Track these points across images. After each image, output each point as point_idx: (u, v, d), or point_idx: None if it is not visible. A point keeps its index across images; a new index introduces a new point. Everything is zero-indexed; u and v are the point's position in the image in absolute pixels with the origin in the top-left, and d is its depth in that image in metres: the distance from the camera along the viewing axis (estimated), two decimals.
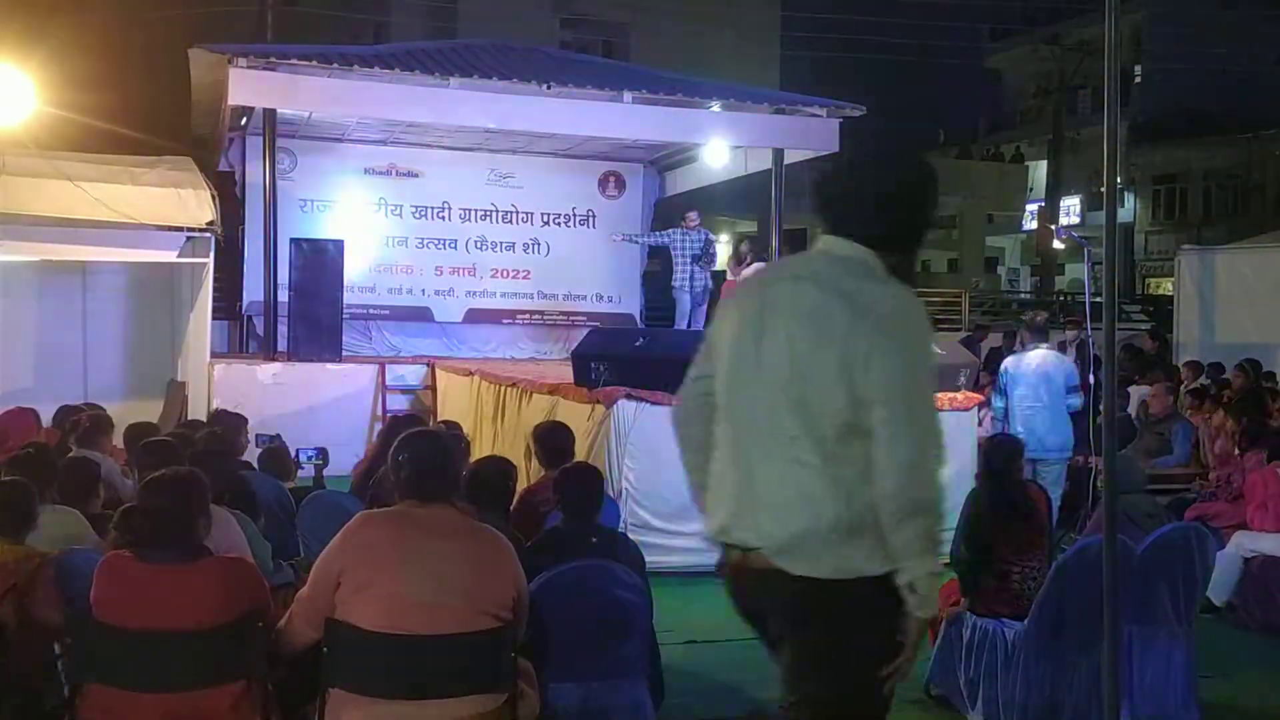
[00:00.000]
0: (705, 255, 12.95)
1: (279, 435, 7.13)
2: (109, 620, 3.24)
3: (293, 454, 6.76)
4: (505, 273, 14.54)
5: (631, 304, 15.12)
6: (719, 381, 2.70)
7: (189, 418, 9.74)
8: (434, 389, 12.12)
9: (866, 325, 2.46)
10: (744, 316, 2.64)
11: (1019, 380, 8.11)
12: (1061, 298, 27.50)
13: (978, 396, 8.69)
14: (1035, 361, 8.16)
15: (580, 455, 6.54)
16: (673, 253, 13.02)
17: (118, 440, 6.58)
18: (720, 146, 13.03)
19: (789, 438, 2.53)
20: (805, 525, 2.52)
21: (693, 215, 13.06)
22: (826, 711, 2.58)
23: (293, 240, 11.67)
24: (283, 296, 11.55)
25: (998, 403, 8.19)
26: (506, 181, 14.44)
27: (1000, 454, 5.41)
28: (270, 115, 11.49)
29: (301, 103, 11.63)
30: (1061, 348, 14.45)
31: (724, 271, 13.85)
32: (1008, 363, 8.40)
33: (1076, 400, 7.98)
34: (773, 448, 2.56)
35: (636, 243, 14.26)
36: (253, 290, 12.83)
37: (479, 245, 14.41)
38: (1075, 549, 4.82)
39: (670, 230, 13.28)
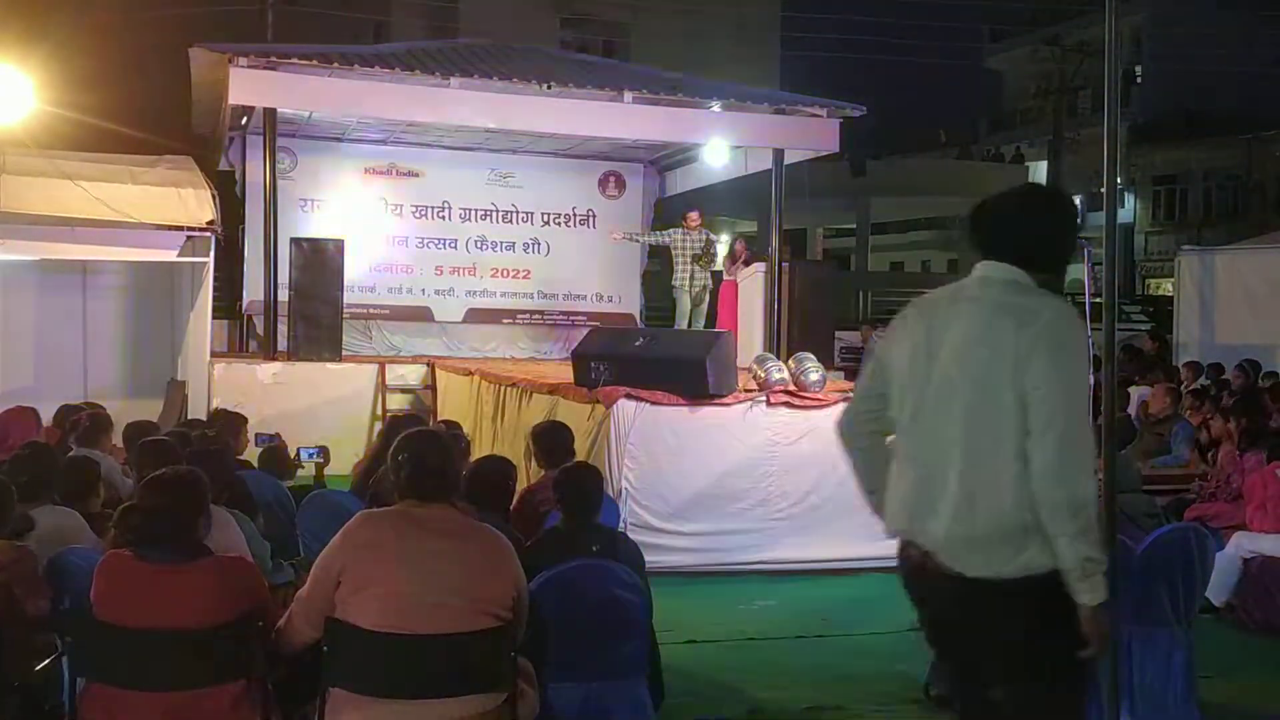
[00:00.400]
0: (706, 255, 12.95)
1: (279, 435, 7.14)
2: (109, 619, 3.24)
3: (293, 453, 6.77)
4: (505, 272, 14.53)
5: (631, 304, 15.12)
6: (893, 396, 2.98)
7: (189, 417, 9.74)
8: (434, 389, 12.13)
9: (1029, 333, 2.74)
10: (915, 337, 2.94)
11: None
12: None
13: None
14: None
15: (580, 455, 6.54)
16: (673, 252, 13.01)
17: (117, 439, 6.58)
18: (720, 146, 13.02)
19: (965, 445, 2.78)
20: (983, 526, 2.75)
21: (694, 215, 13.06)
22: (1027, 705, 2.78)
23: (293, 240, 11.67)
24: (283, 296, 11.55)
25: None
26: (506, 181, 14.43)
27: None
28: (270, 114, 11.48)
29: (302, 102, 11.63)
30: None
31: (721, 271, 13.85)
32: None
33: None
34: (951, 454, 2.80)
35: (637, 241, 14.25)
36: (253, 289, 12.83)
37: (479, 245, 14.40)
38: None
39: (671, 230, 13.28)
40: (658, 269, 16.15)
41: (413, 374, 12.34)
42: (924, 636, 3.03)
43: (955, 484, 2.78)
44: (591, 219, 14.85)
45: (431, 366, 12.35)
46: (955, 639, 2.91)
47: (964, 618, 2.83)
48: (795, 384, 8.03)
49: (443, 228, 14.29)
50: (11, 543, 3.95)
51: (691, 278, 12.91)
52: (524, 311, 14.55)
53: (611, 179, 14.96)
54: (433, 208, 14.24)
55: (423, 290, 14.21)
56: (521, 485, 5.51)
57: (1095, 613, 2.71)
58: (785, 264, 12.85)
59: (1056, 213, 3.04)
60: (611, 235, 14.00)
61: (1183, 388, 10.84)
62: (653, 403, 7.57)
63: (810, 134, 12.71)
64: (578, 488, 4.51)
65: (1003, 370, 2.74)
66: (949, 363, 2.83)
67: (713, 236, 13.39)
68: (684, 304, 12.95)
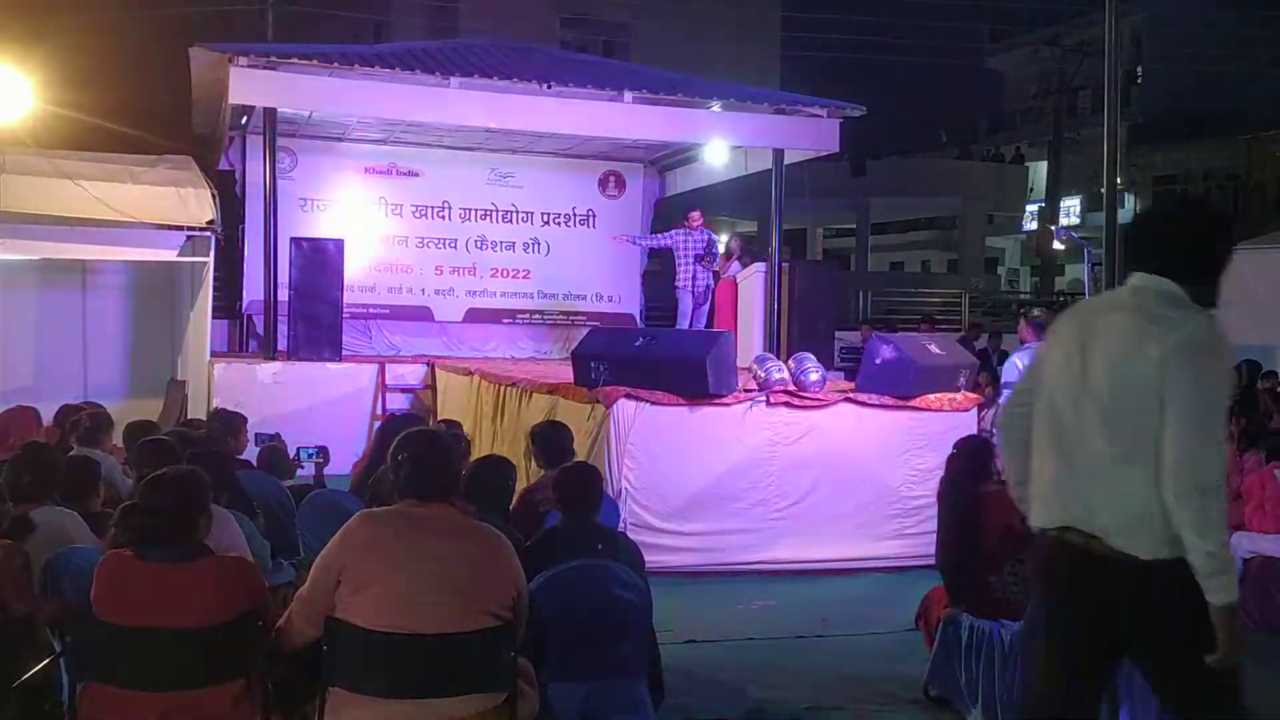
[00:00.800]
0: (708, 255, 12.96)
1: (278, 434, 7.14)
2: (109, 619, 3.24)
3: (293, 452, 6.77)
4: (505, 272, 14.53)
5: (631, 304, 15.12)
6: (1050, 396, 3.19)
7: (189, 417, 9.74)
8: (434, 388, 12.13)
9: (1173, 340, 2.95)
10: (1069, 342, 3.18)
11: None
12: (1061, 298, 27.49)
13: (976, 397, 8.70)
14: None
15: (580, 455, 6.54)
16: (675, 253, 13.02)
17: (117, 439, 6.59)
18: (720, 146, 13.02)
19: (1115, 441, 3.01)
20: (1135, 514, 2.96)
21: (695, 215, 13.05)
22: (1204, 680, 3.06)
23: (293, 239, 11.67)
24: (283, 296, 11.54)
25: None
26: (507, 181, 14.43)
27: (964, 458, 5.41)
28: (270, 114, 11.48)
29: (302, 102, 11.62)
30: None
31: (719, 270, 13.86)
32: (1021, 357, 8.10)
33: None
34: (1103, 449, 3.03)
35: (639, 245, 14.25)
36: (253, 289, 12.82)
37: (479, 245, 14.40)
38: None
39: (673, 231, 13.27)
40: (658, 269, 16.16)
41: (413, 374, 12.34)
42: (1072, 624, 3.12)
43: (1110, 477, 3.01)
44: (591, 219, 14.85)
45: (431, 366, 12.35)
46: (1128, 619, 3.04)
47: (1139, 598, 3.00)
48: (795, 384, 8.03)
49: (443, 227, 14.29)
50: (6, 543, 3.94)
51: (694, 278, 12.91)
52: (524, 311, 14.55)
53: (611, 179, 14.95)
54: (433, 207, 14.24)
55: (423, 290, 14.21)
56: (521, 485, 5.52)
57: (1223, 613, 2.90)
58: (785, 264, 12.85)
59: (1208, 227, 3.21)
60: (613, 238, 14.01)
61: None
62: (653, 403, 7.58)
63: (810, 134, 12.71)
64: (577, 487, 4.51)
65: (1149, 375, 2.95)
66: (1101, 367, 3.06)
67: (714, 236, 13.39)
68: (686, 304, 12.95)
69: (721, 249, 13.95)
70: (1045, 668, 3.19)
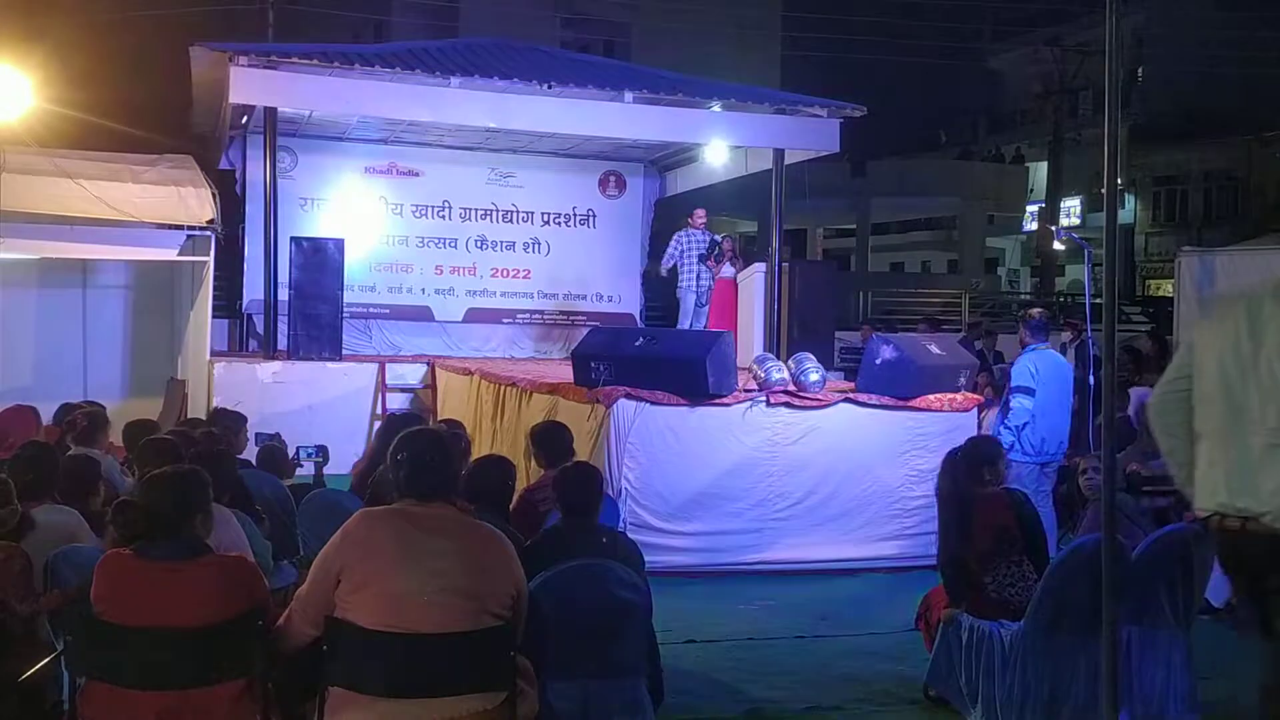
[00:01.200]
0: (710, 254, 12.94)
1: (278, 434, 7.13)
2: (109, 618, 3.24)
3: (292, 452, 6.77)
4: (505, 272, 14.53)
5: (631, 304, 15.12)
6: (1214, 380, 3.26)
7: (189, 416, 9.74)
8: (434, 388, 12.12)
9: None
10: (1236, 325, 3.24)
11: (1047, 380, 7.71)
12: (1061, 299, 27.50)
13: (977, 398, 8.69)
14: (1053, 360, 7.97)
15: (580, 455, 6.54)
16: (680, 256, 13.02)
17: (116, 438, 6.58)
18: (720, 146, 13.01)
19: None
20: None
21: (699, 213, 13.03)
22: None
23: (293, 239, 11.66)
24: (283, 295, 11.54)
25: (1027, 403, 7.63)
26: (507, 181, 14.42)
27: (965, 458, 5.41)
28: (271, 114, 11.48)
29: (302, 101, 11.62)
30: (1061, 349, 14.54)
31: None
32: (1033, 361, 7.84)
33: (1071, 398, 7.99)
34: (1270, 431, 3.11)
35: (665, 272, 13.61)
36: (253, 289, 12.81)
37: (479, 244, 14.40)
38: (1070, 549, 4.82)
39: (676, 235, 13.24)
40: (657, 269, 16.14)
41: (413, 373, 12.34)
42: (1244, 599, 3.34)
43: (1273, 459, 3.11)
44: (592, 219, 14.85)
45: (431, 366, 12.34)
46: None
47: None
48: (795, 384, 8.03)
49: (443, 227, 14.28)
50: (7, 543, 3.94)
51: (697, 278, 12.89)
52: (524, 311, 14.55)
53: (612, 179, 14.95)
54: (433, 207, 14.24)
55: (423, 290, 14.21)
56: (521, 485, 5.52)
57: None
58: (785, 264, 12.84)
59: None
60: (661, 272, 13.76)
61: None
62: (652, 403, 7.58)
63: (811, 134, 12.70)
64: (578, 487, 4.51)
65: None
66: (1267, 352, 3.14)
67: (716, 237, 13.38)
68: (688, 303, 12.93)
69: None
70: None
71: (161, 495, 3.41)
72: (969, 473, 5.31)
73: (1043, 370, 7.70)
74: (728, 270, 13.09)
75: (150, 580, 3.27)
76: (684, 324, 12.76)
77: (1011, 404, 7.68)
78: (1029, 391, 7.61)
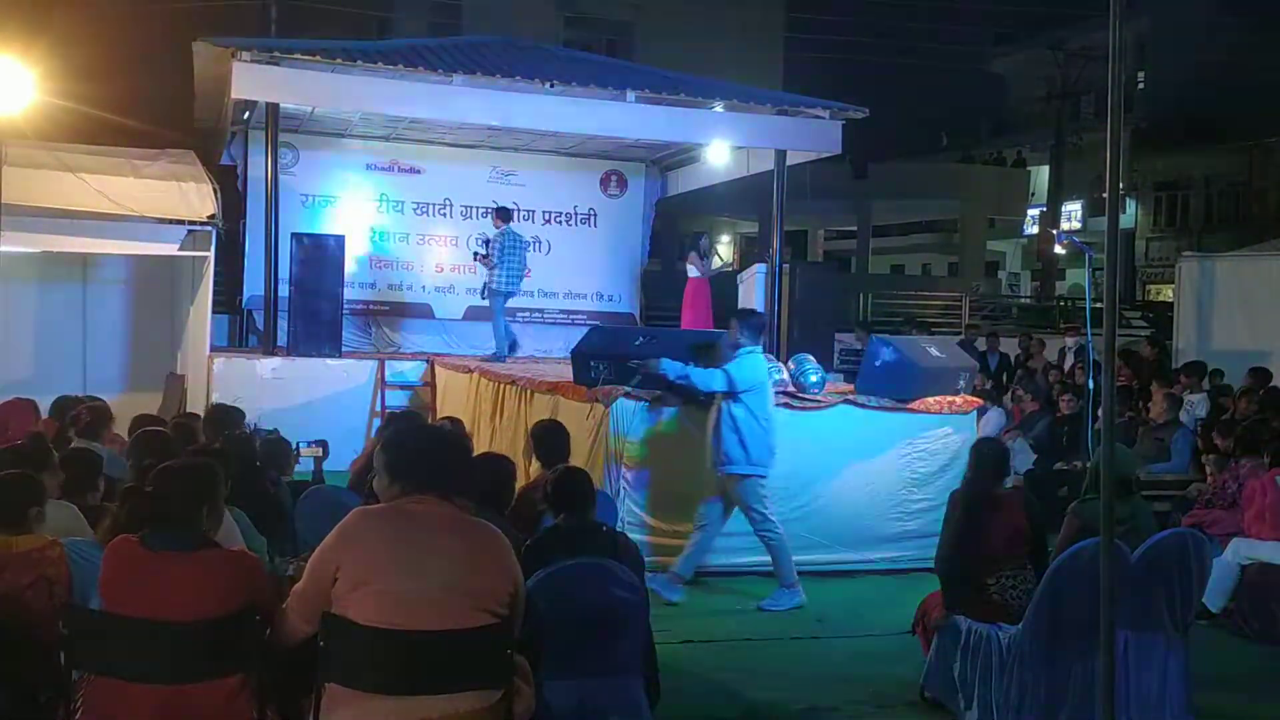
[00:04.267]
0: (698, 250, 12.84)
1: (276, 430, 7.12)
2: (113, 607, 3.25)
3: (292, 446, 6.75)
4: None
5: (631, 303, 15.12)
6: None
7: (187, 411, 9.73)
8: (433, 385, 12.12)
9: None
10: None
11: (759, 388, 7.07)
12: (1062, 303, 27.51)
13: (976, 400, 8.70)
14: (763, 367, 7.27)
15: (579, 454, 6.55)
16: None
17: (119, 432, 6.58)
18: (722, 147, 13.02)
19: None
20: None
21: (508, 212, 12.44)
22: None
23: (294, 235, 11.67)
24: (283, 291, 11.54)
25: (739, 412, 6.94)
26: (508, 179, 14.43)
27: (996, 459, 5.41)
28: (273, 109, 11.48)
29: (304, 97, 11.62)
30: (1061, 353, 14.55)
31: (727, 273, 13.81)
32: (750, 364, 7.05)
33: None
34: None
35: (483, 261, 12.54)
36: (253, 284, 12.82)
37: (480, 243, 14.40)
38: (1068, 554, 4.82)
39: (498, 232, 12.22)
40: (658, 269, 16.15)
41: (412, 371, 12.35)
42: None
43: None
44: (593, 218, 14.86)
45: (431, 363, 12.34)
46: None
47: None
48: (794, 385, 8.03)
49: (444, 225, 14.30)
50: (42, 536, 3.91)
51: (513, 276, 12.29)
52: (524, 310, 14.54)
53: (613, 178, 14.95)
54: (434, 205, 14.24)
55: (423, 287, 14.22)
56: (520, 484, 5.52)
57: None
58: (786, 265, 12.85)
59: None
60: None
61: (1185, 392, 10.81)
62: (651, 402, 7.57)
63: (812, 135, 12.70)
64: (569, 486, 4.51)
65: None
66: None
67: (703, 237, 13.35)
68: (498, 304, 12.29)
69: (727, 252, 13.88)
70: None
71: (173, 485, 3.42)
72: (995, 473, 5.32)
73: (754, 377, 7.07)
74: (698, 269, 13.03)
75: (153, 570, 3.27)
76: (498, 323, 12.24)
77: (748, 402, 6.98)
78: (746, 392, 7.00)
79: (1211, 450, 8.48)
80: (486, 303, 12.48)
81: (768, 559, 7.75)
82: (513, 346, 12.20)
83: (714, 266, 13.24)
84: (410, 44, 12.82)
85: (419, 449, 3.39)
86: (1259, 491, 6.89)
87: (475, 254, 12.68)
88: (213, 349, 11.36)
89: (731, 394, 6.96)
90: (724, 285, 14.89)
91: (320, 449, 6.71)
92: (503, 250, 11.98)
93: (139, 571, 3.27)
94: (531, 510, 5.12)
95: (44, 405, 7.40)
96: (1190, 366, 11.64)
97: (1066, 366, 13.29)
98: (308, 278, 11.46)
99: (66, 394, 7.67)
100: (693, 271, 13.11)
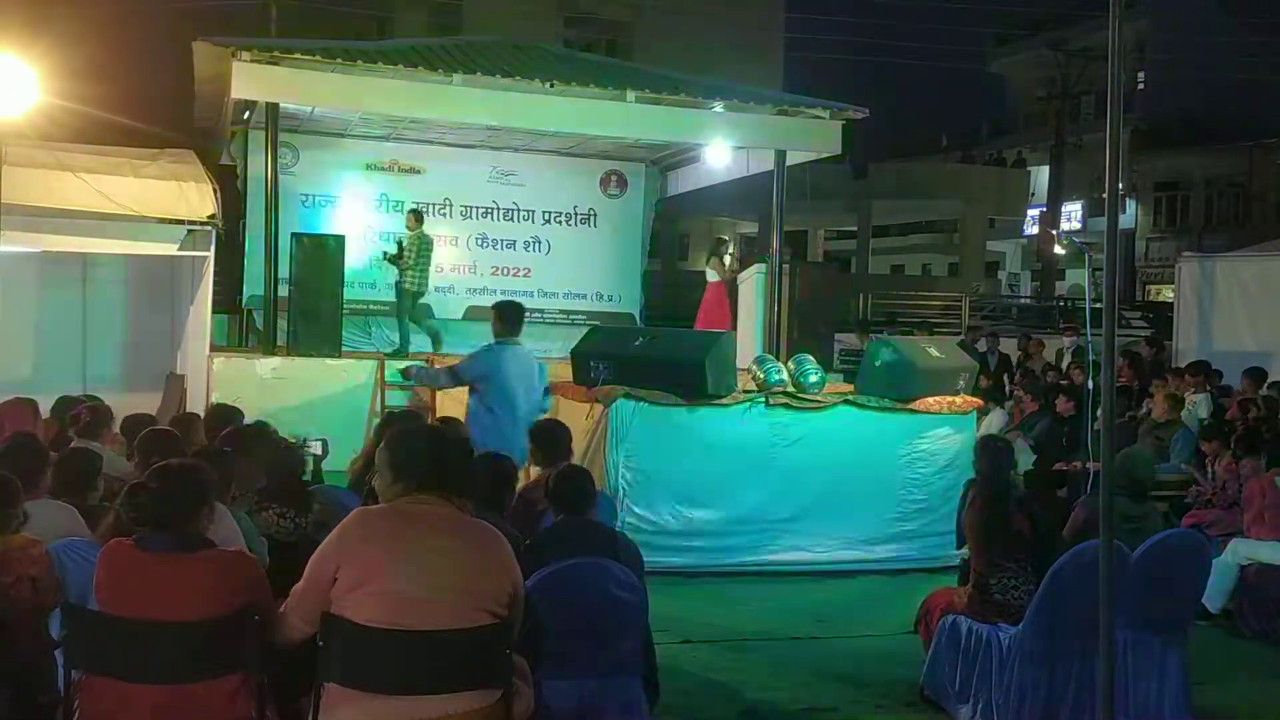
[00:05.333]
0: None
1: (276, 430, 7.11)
2: (109, 609, 3.24)
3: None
4: (506, 270, 14.53)
5: (631, 303, 15.12)
6: None
7: (187, 410, 9.72)
8: None
9: None
10: None
11: (493, 380, 6.96)
12: (1062, 303, 27.52)
13: (976, 400, 8.69)
14: (509, 359, 7.06)
15: (578, 454, 6.54)
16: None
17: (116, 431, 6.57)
18: (722, 147, 13.01)
19: None
20: None
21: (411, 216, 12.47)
22: None
23: (294, 235, 11.66)
24: (283, 291, 11.54)
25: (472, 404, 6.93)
26: (508, 179, 14.43)
27: (989, 456, 5.41)
28: (273, 109, 11.47)
29: (304, 97, 11.61)
30: (1059, 354, 14.56)
31: (704, 272, 13.80)
32: (497, 354, 7.03)
33: (548, 401, 7.30)
34: None
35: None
36: (253, 284, 12.82)
37: (480, 243, 14.41)
38: (1071, 553, 4.82)
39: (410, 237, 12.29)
40: (658, 269, 16.14)
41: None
42: None
43: None
44: (593, 218, 14.86)
45: (430, 363, 12.32)
46: None
47: None
48: (794, 385, 8.03)
49: (444, 225, 14.29)
50: (25, 536, 3.92)
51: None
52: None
53: (613, 178, 14.95)
54: (434, 204, 14.24)
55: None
56: (520, 483, 5.51)
57: None
58: (786, 265, 12.84)
59: None
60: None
61: (1189, 393, 10.80)
62: (651, 402, 7.57)
63: (812, 135, 12.70)
64: (569, 490, 4.51)
65: None
66: None
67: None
68: (405, 304, 12.53)
69: (710, 252, 13.83)
70: None
71: (168, 485, 3.42)
72: (1009, 468, 5.32)
73: (491, 367, 7.03)
74: (717, 274, 13.06)
75: (149, 572, 3.26)
76: (404, 322, 12.35)
77: (482, 394, 6.95)
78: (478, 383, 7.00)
79: (1210, 451, 8.48)
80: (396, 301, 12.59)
81: (767, 559, 7.78)
82: (436, 340, 12.37)
83: (730, 270, 13.25)
84: (410, 44, 12.82)
85: (420, 448, 3.39)
86: (1258, 492, 6.90)
87: (384, 254, 12.62)
88: (212, 349, 11.35)
89: (470, 386, 7.11)
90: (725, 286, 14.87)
91: (320, 448, 6.70)
92: (418, 252, 12.17)
93: (135, 574, 3.27)
94: (531, 510, 5.12)
95: (44, 404, 7.40)
96: (1194, 366, 11.64)
97: (1064, 366, 13.29)
98: (307, 277, 11.45)
99: (67, 394, 7.67)
100: (712, 276, 13.11)
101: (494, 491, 4.59)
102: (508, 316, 7.23)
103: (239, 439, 5.28)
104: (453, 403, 10.97)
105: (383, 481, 3.35)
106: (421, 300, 12.81)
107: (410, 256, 12.13)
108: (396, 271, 12.35)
